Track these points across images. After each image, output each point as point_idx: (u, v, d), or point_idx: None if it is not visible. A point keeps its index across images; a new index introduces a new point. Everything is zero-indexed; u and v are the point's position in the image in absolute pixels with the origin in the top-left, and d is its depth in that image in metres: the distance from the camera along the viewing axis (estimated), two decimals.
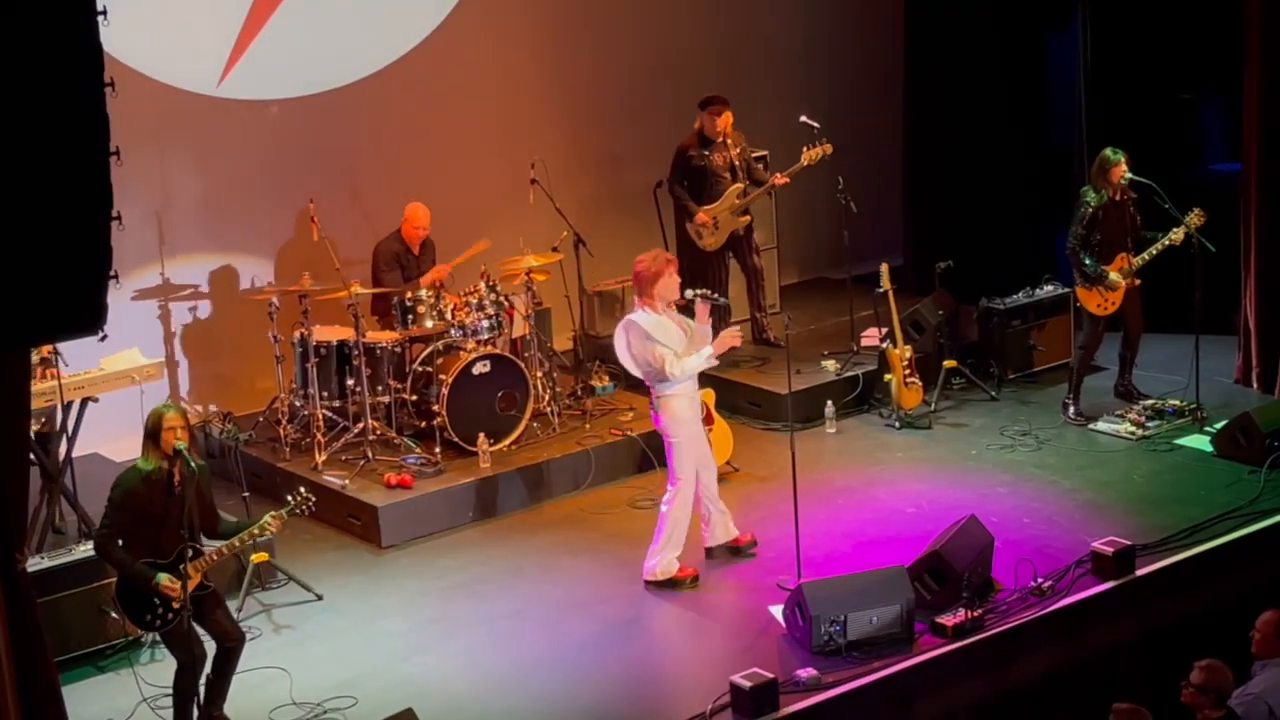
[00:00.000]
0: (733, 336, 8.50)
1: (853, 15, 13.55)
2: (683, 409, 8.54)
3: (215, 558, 7.44)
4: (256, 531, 7.51)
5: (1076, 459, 10.18)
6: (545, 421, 10.55)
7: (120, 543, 7.34)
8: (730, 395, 10.96)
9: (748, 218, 11.49)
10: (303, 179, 11.01)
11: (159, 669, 8.01)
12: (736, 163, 11.41)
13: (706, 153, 11.38)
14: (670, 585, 8.67)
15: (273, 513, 7.55)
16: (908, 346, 10.87)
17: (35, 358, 8.82)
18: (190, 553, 7.26)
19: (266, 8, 10.99)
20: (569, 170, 11.97)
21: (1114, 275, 10.45)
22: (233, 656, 7.55)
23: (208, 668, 7.51)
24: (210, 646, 7.55)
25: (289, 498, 7.72)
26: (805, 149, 11.20)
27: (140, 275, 10.59)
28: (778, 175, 11.36)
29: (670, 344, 8.40)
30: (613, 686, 7.81)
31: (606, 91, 12.52)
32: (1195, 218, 10.37)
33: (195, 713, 7.45)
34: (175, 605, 7.27)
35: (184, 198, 10.92)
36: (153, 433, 7.32)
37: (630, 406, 10.89)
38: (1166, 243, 10.44)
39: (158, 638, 8.03)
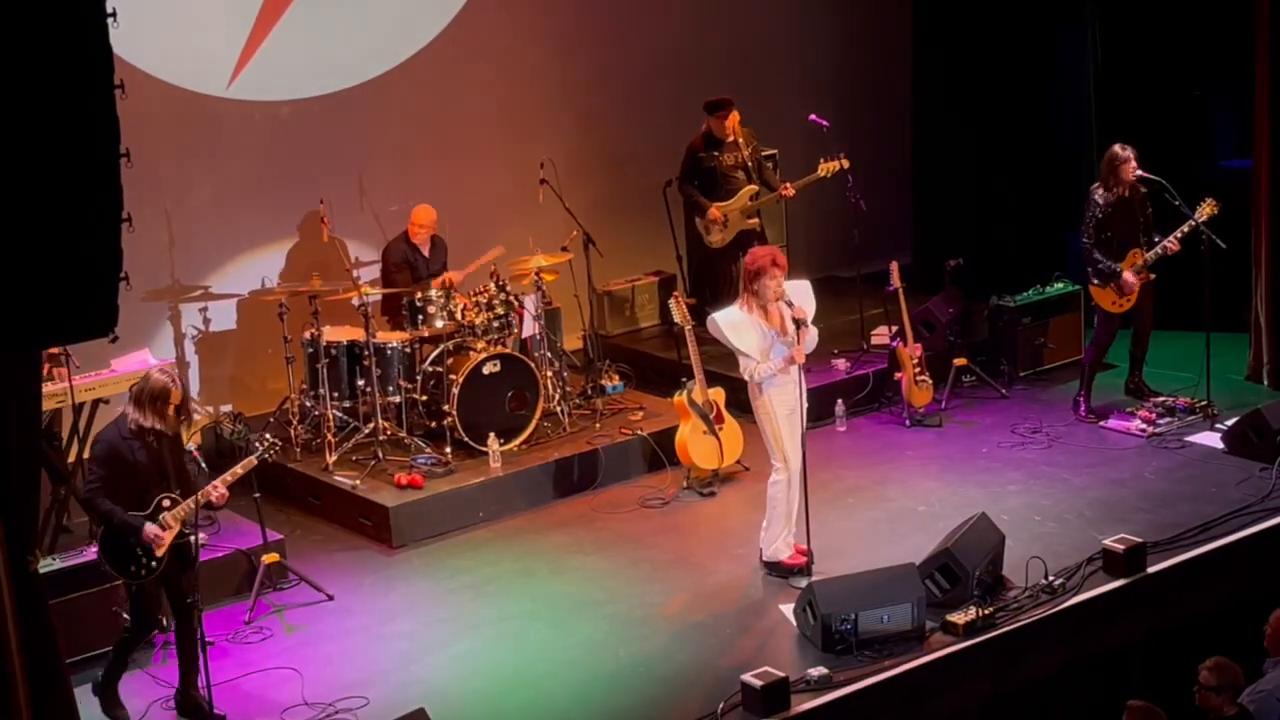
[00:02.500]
0: (797, 354, 8.48)
1: (861, 14, 13.54)
2: (773, 389, 8.57)
3: (191, 505, 7.63)
4: (229, 478, 7.70)
5: (1087, 456, 10.17)
6: (555, 421, 10.56)
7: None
8: (740, 394, 10.93)
9: (756, 220, 11.48)
10: (313, 180, 11.02)
11: (170, 670, 8.04)
12: (749, 163, 11.40)
13: (716, 153, 11.38)
14: (779, 571, 8.71)
15: (242, 462, 7.80)
16: (918, 344, 10.87)
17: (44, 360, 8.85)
18: (168, 502, 7.54)
19: (276, 9, 11.00)
20: (578, 170, 11.97)
21: (1128, 274, 10.42)
22: (191, 617, 7.68)
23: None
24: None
25: (257, 443, 7.95)
26: (822, 160, 11.17)
27: (151, 277, 10.60)
28: (787, 185, 11.33)
29: (746, 345, 8.47)
30: (624, 686, 7.81)
31: (615, 91, 12.52)
32: (1208, 207, 10.35)
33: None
34: (159, 553, 7.52)
35: (194, 199, 10.94)
36: (157, 400, 7.48)
37: (640, 405, 10.89)
38: (1164, 250, 10.40)
39: (170, 639, 8.08)
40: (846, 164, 11.15)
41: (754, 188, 11.39)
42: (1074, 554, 8.66)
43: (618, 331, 12.26)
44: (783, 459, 8.63)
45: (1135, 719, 6.73)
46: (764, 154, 11.71)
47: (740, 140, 11.39)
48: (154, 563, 7.54)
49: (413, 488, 9.72)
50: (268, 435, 7.94)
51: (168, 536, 7.53)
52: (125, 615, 8.22)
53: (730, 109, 11.30)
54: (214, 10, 10.86)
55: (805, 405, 8.66)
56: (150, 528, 7.48)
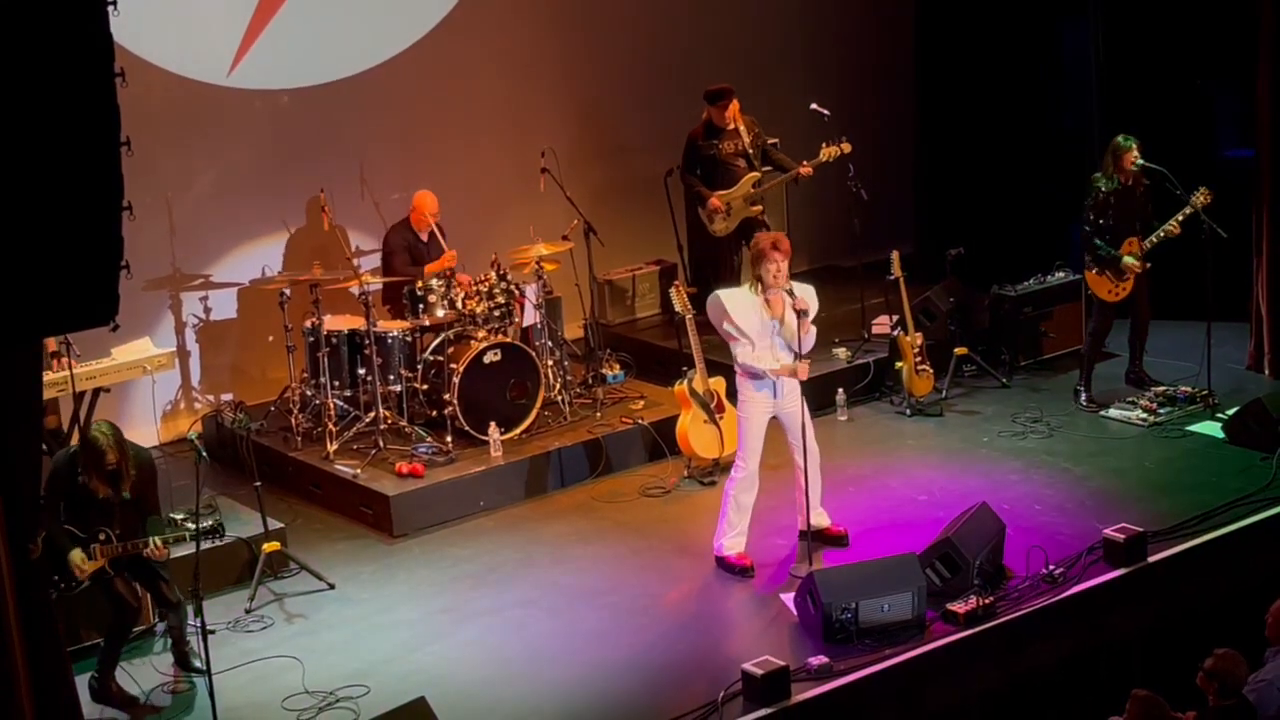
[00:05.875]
0: (801, 370, 8.48)
1: (864, 2, 13.52)
2: (751, 389, 8.58)
3: (120, 550, 7.74)
4: (160, 542, 7.73)
5: (1088, 446, 10.18)
6: (556, 410, 10.56)
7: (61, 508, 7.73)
8: None
9: (759, 207, 11.46)
10: (313, 168, 11.01)
11: (170, 659, 8.06)
12: (750, 150, 11.37)
13: (716, 141, 11.36)
14: (725, 567, 8.73)
15: (174, 535, 7.85)
16: (919, 334, 10.87)
17: (47, 349, 8.86)
18: (103, 536, 7.69)
19: None
20: (579, 159, 11.96)
21: (1127, 258, 10.44)
22: (176, 610, 7.93)
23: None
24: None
25: (204, 523, 7.81)
26: (825, 144, 11.15)
27: (151, 265, 10.60)
28: (804, 164, 11.25)
29: (745, 324, 8.44)
30: (625, 674, 7.82)
31: (617, 80, 12.51)
32: (1202, 196, 10.36)
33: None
34: (80, 579, 7.71)
35: (195, 188, 10.93)
36: (95, 461, 7.63)
37: (641, 394, 10.90)
38: (1163, 234, 10.43)
39: (169, 631, 8.11)
40: (848, 148, 11.13)
41: (756, 175, 11.38)
42: (1075, 543, 8.67)
43: (618, 320, 12.26)
44: (745, 458, 8.64)
45: (1138, 708, 6.73)
46: (768, 141, 11.67)
47: (741, 128, 11.36)
48: (74, 583, 7.72)
49: (413, 476, 9.72)
50: (210, 520, 7.90)
51: (89, 567, 7.68)
52: None
53: (730, 98, 11.28)
54: None
55: (803, 406, 8.64)
56: (75, 554, 7.63)
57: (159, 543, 7.70)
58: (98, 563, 7.69)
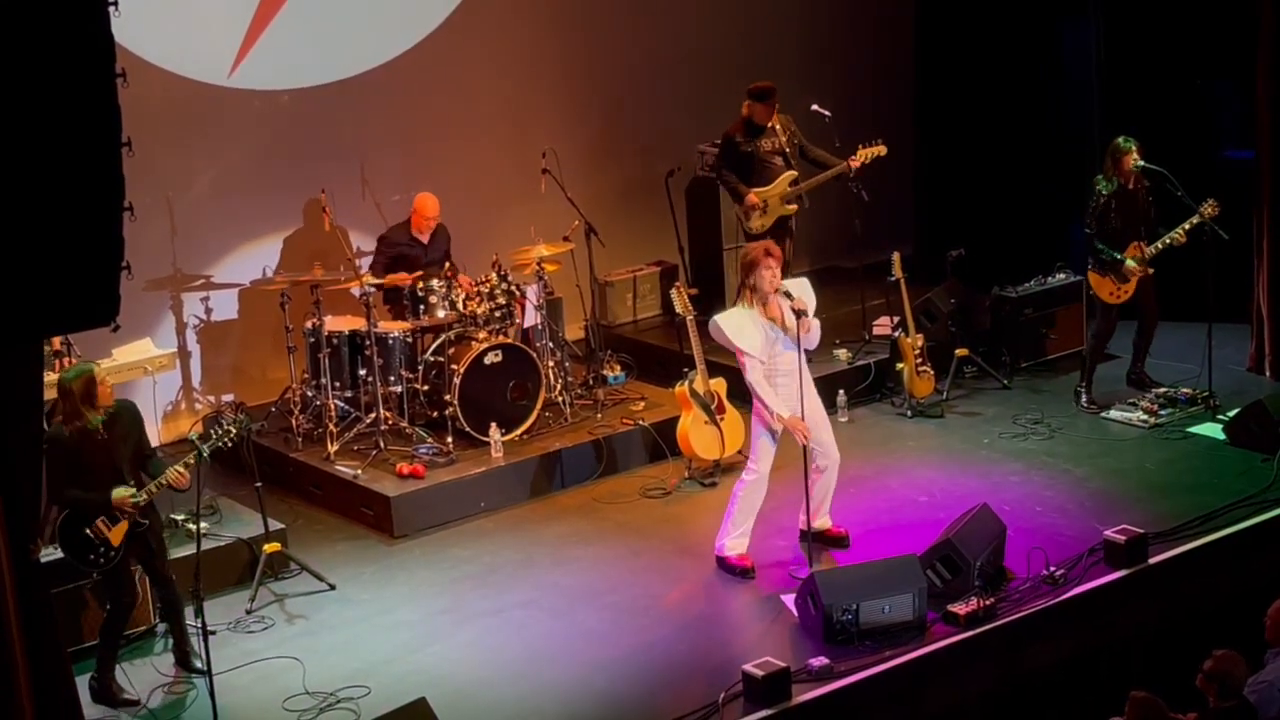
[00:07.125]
0: (802, 432, 8.47)
1: (865, 3, 13.52)
2: (764, 409, 8.57)
3: (145, 497, 7.70)
4: (181, 468, 7.72)
5: (1089, 447, 10.18)
6: (557, 411, 10.56)
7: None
8: (741, 384, 10.91)
9: (795, 206, 11.38)
10: (314, 169, 11.00)
11: (171, 659, 8.06)
12: (787, 149, 11.31)
13: (755, 139, 11.27)
14: (725, 568, 8.73)
15: (191, 456, 7.79)
16: (920, 335, 10.87)
17: (47, 350, 8.86)
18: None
19: None
20: (580, 160, 11.95)
21: (1130, 262, 10.43)
22: (170, 589, 7.93)
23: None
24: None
25: (211, 431, 7.94)
26: (861, 146, 11.07)
27: (152, 266, 10.60)
28: (853, 159, 11.04)
29: (749, 345, 8.44)
30: (625, 675, 7.82)
31: (618, 82, 12.50)
32: (1209, 208, 10.36)
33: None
34: (115, 544, 7.64)
35: (196, 188, 10.93)
36: (86, 394, 7.60)
37: (641, 396, 10.89)
38: (1169, 241, 10.44)
39: (167, 628, 8.10)
40: (883, 150, 11.02)
41: (793, 173, 11.28)
42: (1075, 545, 8.67)
43: (619, 322, 12.26)
44: (756, 461, 8.64)
45: (1137, 710, 6.73)
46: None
47: (778, 126, 11.29)
48: (112, 551, 7.66)
49: (414, 477, 9.72)
50: (218, 427, 7.92)
51: (130, 497, 7.63)
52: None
53: (775, 96, 11.17)
54: None
55: (818, 405, 8.65)
56: (118, 491, 7.58)
57: (181, 469, 7.69)
58: (132, 514, 7.63)
